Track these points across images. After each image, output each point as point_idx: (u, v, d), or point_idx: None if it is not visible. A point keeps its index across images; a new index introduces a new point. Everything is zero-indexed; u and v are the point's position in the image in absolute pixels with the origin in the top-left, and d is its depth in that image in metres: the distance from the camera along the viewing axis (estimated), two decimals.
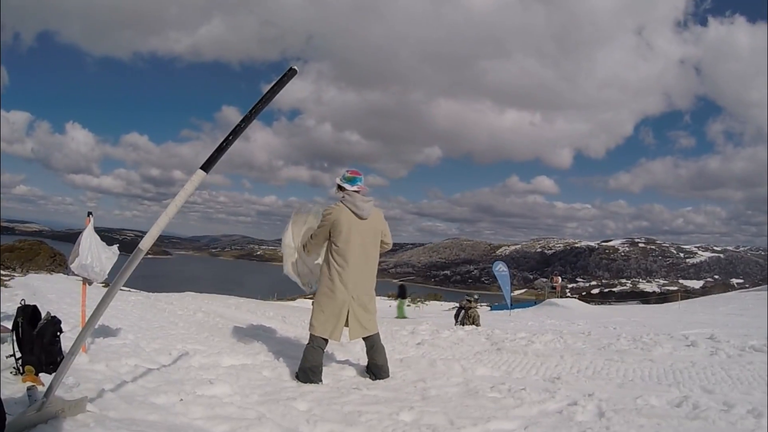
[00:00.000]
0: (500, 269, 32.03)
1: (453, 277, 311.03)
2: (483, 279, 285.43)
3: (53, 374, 4.55)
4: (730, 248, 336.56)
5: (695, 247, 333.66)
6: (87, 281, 6.69)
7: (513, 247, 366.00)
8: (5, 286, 16.23)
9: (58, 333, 5.42)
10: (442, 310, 43.01)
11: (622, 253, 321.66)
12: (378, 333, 6.48)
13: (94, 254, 6.28)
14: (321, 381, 5.98)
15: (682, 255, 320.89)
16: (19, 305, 5.42)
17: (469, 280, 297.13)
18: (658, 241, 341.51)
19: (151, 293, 17.63)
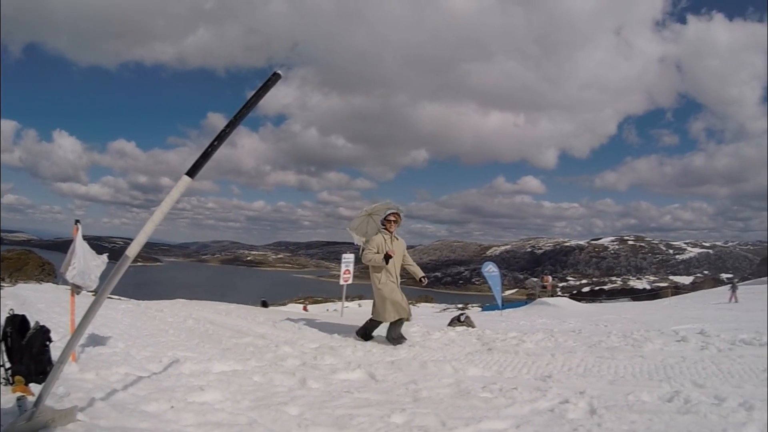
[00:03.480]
0: (490, 270, 32.04)
1: (444, 278, 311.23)
2: (474, 280, 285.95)
3: (43, 384, 4.54)
4: (719, 243, 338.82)
5: (684, 243, 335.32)
6: (76, 290, 6.67)
7: (503, 248, 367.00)
8: None
9: (48, 342, 5.40)
10: (434, 312, 43.00)
11: (612, 251, 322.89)
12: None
13: (85, 263, 6.27)
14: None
15: (671, 251, 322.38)
16: (8, 315, 5.39)
17: (460, 282, 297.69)
18: (647, 238, 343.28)
19: (141, 301, 17.58)
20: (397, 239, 9.56)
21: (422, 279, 9.82)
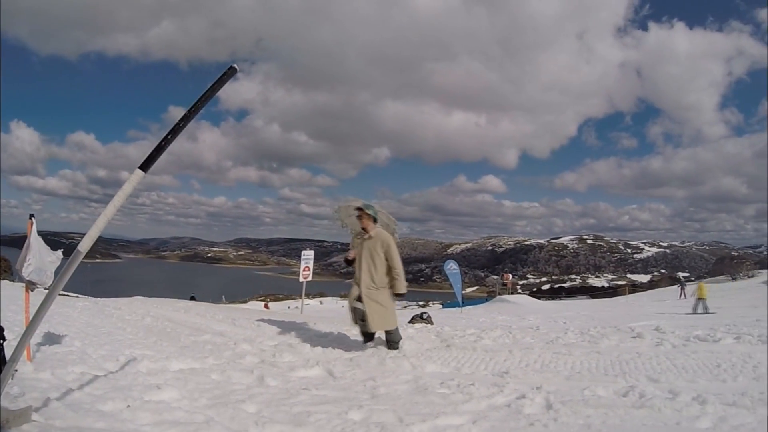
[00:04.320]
0: (451, 268, 32.25)
1: (405, 276, 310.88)
2: (435, 277, 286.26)
3: None
4: (676, 243, 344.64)
5: (642, 243, 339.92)
6: (31, 287, 6.57)
7: (464, 246, 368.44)
8: None
9: (1, 341, 5.32)
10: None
11: (571, 250, 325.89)
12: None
13: (40, 258, 6.18)
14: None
15: (629, 251, 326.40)
16: None
17: (421, 279, 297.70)
18: (605, 238, 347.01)
19: (99, 299, 17.35)
20: (371, 237, 8.56)
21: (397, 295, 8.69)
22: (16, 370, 4.46)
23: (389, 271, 8.54)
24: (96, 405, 4.59)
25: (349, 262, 8.91)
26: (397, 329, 8.60)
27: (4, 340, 5.33)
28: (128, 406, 4.63)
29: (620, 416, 4.60)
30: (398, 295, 8.64)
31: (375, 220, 8.62)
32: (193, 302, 18.11)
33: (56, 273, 6.17)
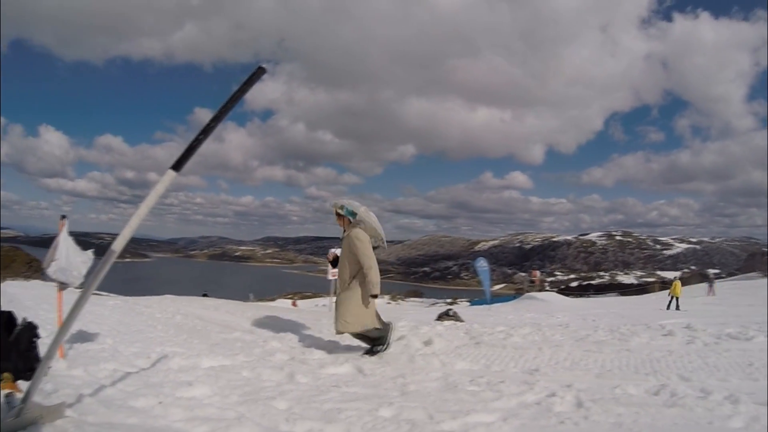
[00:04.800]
0: (481, 265, 32.12)
1: (432, 273, 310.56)
2: (462, 275, 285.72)
3: (31, 380, 4.54)
4: (706, 239, 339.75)
5: (671, 238, 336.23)
6: (62, 286, 6.65)
7: (491, 242, 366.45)
8: None
9: (35, 339, 5.38)
10: (422, 306, 43.03)
11: (600, 246, 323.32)
12: None
13: (70, 258, 6.24)
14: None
15: (658, 247, 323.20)
16: None
17: (449, 276, 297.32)
18: (634, 234, 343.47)
19: (129, 297, 17.51)
20: (347, 236, 8.07)
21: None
22: (50, 367, 4.51)
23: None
24: (128, 401, 4.65)
25: (333, 264, 8.72)
26: (375, 329, 7.88)
27: (38, 337, 5.41)
28: (160, 402, 4.67)
29: (652, 415, 4.55)
30: (373, 296, 7.72)
31: (351, 219, 8.15)
32: (222, 300, 18.18)
33: (89, 273, 6.26)
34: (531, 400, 5.15)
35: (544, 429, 4.30)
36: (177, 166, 3.24)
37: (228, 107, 3.27)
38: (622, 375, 6.21)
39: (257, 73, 3.30)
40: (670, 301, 27.05)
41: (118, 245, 3.26)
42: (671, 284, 28.79)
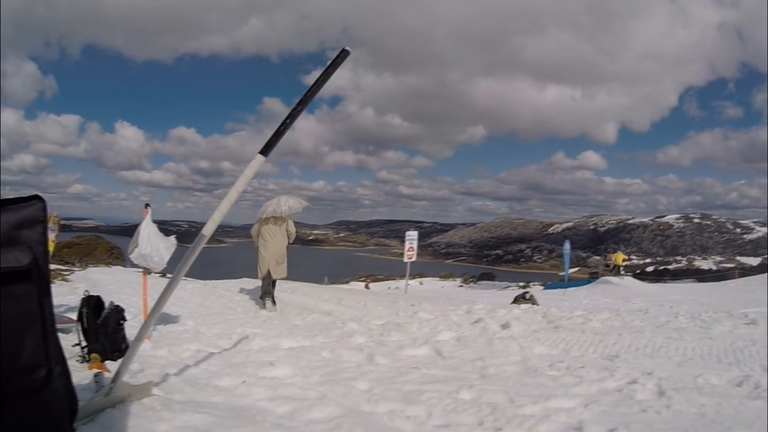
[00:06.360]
0: (566, 248, 31.74)
1: (505, 256, 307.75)
2: (535, 258, 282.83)
3: (118, 361, 4.69)
4: None
5: (752, 222, 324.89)
6: (146, 271, 6.84)
7: (565, 225, 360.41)
8: (66, 280, 16.59)
9: (122, 321, 5.57)
10: (496, 289, 42.72)
11: (677, 229, 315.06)
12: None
13: (153, 244, 6.42)
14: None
15: (738, 230, 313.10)
16: (83, 296, 5.58)
17: (522, 259, 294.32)
18: (713, 216, 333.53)
19: (208, 281, 17.82)
20: None
21: None
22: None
23: None
24: (212, 380, 4.78)
25: None
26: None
27: (125, 320, 5.59)
28: (243, 381, 4.78)
29: (735, 407, 4.42)
30: None
31: None
32: (299, 283, 18.36)
33: (172, 258, 6.45)
34: (612, 386, 5.08)
35: (625, 416, 4.21)
36: (265, 150, 3.28)
37: (314, 91, 3.28)
38: (704, 364, 6.06)
39: (341, 56, 3.30)
40: (613, 270, 25.81)
41: (208, 230, 3.32)
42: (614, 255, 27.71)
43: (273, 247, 11.08)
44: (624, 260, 29.53)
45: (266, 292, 10.86)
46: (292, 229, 11.49)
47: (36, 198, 2.18)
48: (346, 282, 54.08)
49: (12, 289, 1.99)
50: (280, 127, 3.27)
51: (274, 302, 10.75)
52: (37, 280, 2.09)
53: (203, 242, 3.33)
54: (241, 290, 13.66)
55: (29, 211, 2.14)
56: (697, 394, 4.73)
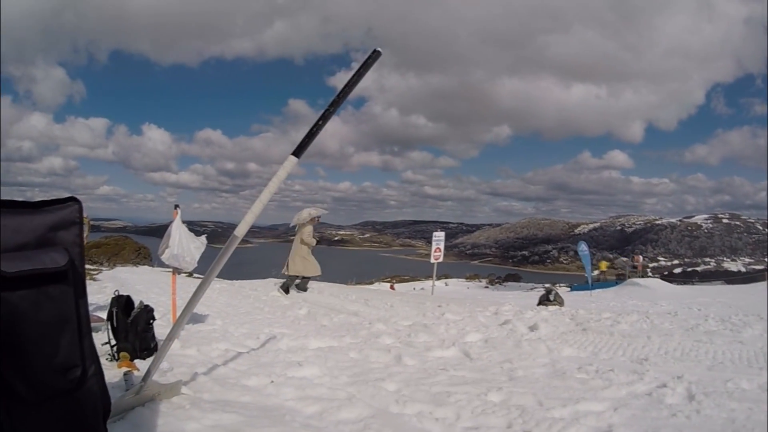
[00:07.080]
0: (583, 249, 31.57)
1: (531, 257, 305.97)
2: (562, 259, 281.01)
3: (147, 360, 4.74)
4: None
5: None
6: (176, 271, 6.90)
7: (591, 225, 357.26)
8: (94, 280, 16.84)
9: (151, 321, 5.62)
10: (522, 291, 42.56)
11: (705, 230, 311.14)
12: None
13: (183, 245, 6.49)
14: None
15: None
16: (113, 296, 5.65)
17: (548, 261, 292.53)
18: (743, 216, 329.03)
19: (235, 281, 17.97)
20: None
21: None
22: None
23: None
24: (241, 380, 4.81)
25: None
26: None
27: (154, 319, 5.65)
28: (272, 381, 4.80)
29: (766, 412, 4.37)
30: None
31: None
32: (325, 284, 18.45)
33: (202, 258, 6.51)
34: (641, 390, 5.02)
35: (655, 421, 4.16)
36: (298, 152, 3.28)
37: (346, 92, 3.28)
38: (734, 368, 5.94)
39: (373, 57, 3.30)
40: (599, 277, 25.58)
41: (241, 230, 3.33)
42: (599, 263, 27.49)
43: (292, 248, 14.08)
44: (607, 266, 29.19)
45: (283, 283, 13.78)
46: (303, 235, 13.97)
47: (72, 200, 2.21)
48: (371, 282, 54.20)
49: (48, 289, 2.01)
50: (312, 129, 3.28)
51: (286, 291, 13.44)
52: (73, 280, 2.12)
53: (236, 243, 3.35)
54: (268, 290, 13.73)
55: (66, 212, 2.17)
56: (727, 399, 4.64)
